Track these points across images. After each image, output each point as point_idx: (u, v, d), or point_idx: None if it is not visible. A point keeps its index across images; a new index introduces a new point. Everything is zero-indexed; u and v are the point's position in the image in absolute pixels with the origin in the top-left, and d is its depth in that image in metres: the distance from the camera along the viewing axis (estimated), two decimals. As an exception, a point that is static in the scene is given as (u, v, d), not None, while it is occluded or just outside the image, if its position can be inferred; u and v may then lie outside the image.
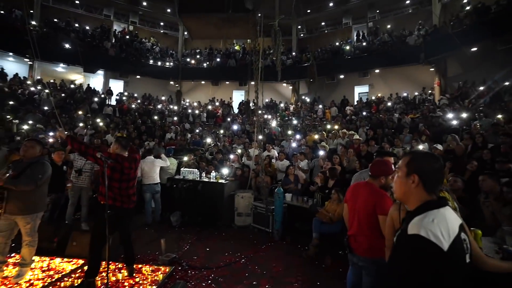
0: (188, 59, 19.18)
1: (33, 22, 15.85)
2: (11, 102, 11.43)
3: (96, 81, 19.52)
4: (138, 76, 18.08)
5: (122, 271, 3.24)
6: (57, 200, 4.73)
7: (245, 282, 3.18)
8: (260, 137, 5.63)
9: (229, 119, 13.69)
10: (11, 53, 15.47)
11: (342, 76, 16.37)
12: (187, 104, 17.24)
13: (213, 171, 5.78)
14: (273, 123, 11.59)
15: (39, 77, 16.41)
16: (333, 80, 16.70)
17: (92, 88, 17.04)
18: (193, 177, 5.57)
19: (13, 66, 16.47)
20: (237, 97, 18.99)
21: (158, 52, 19.14)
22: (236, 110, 16.35)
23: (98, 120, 11.75)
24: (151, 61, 18.05)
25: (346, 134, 7.78)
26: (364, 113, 11.93)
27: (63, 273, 3.23)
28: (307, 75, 14.30)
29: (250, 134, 10.20)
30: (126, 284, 2.97)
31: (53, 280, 3.05)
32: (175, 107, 16.06)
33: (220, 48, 19.58)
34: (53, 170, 4.41)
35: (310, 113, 13.89)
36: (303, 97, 17.23)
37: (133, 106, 15.19)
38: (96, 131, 9.76)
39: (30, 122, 9.76)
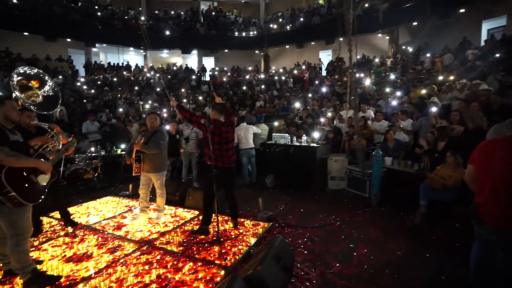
0: (270, 25, 18.76)
1: (142, 18, 18.61)
2: (136, 88, 14.12)
3: (192, 60, 21.58)
4: (226, 50, 18.99)
5: (228, 223, 3.66)
6: (174, 163, 5.73)
7: (341, 244, 3.13)
8: (353, 97, 5.13)
9: (317, 82, 13.02)
10: (131, 48, 18.92)
11: (462, 11, 12.66)
12: (273, 71, 17.18)
13: (303, 135, 5.69)
14: (367, 81, 10.36)
15: (151, 64, 19.39)
16: (447, 18, 13.12)
17: (190, 67, 18.94)
18: (284, 142, 5.59)
19: (133, 58, 20.09)
20: (324, 57, 17.63)
21: (241, 23, 19.43)
22: (324, 73, 15.34)
23: (197, 95, 13.18)
24: (236, 33, 18.50)
25: (466, 85, 6.22)
26: (498, 55, 9.10)
27: (185, 220, 3.87)
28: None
29: (341, 95, 9.47)
30: (232, 234, 3.35)
31: (179, 224, 3.72)
32: (262, 76, 16.23)
33: (303, 7, 18.24)
34: (169, 139, 5.27)
35: (414, 66, 11.66)
36: (404, 47, 14.50)
37: (224, 79, 16.16)
38: (196, 105, 10.96)
39: (149, 102, 11.88)
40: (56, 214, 3.97)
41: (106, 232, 3.51)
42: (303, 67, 16.16)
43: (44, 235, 3.46)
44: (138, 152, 3.53)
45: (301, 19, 17.12)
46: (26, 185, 2.23)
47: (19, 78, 2.82)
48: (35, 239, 3.34)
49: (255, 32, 18.65)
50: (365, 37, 14.73)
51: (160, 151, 3.57)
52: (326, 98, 10.00)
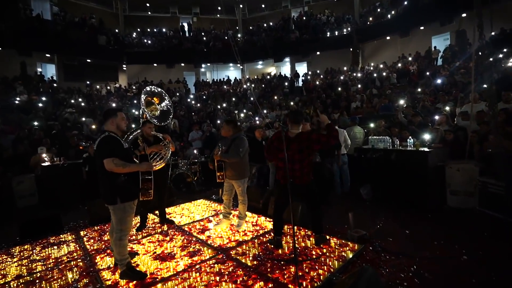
0: (366, 18, 17.07)
1: (239, 35, 20.42)
2: (233, 99, 15.38)
3: (285, 68, 22.05)
4: (318, 53, 18.38)
5: (310, 238, 3.27)
6: (261, 169, 5.60)
7: (472, 289, 2.21)
8: (485, 86, 3.79)
9: (428, 73, 10.88)
10: (231, 64, 21.07)
11: None
12: (371, 68, 15.49)
13: (409, 138, 4.85)
14: (510, 62, 7.79)
15: (247, 76, 20.76)
16: None
17: (283, 75, 19.38)
18: (384, 146, 4.97)
19: (233, 73, 22.23)
20: (439, 43, 14.50)
21: (333, 23, 18.48)
22: (439, 62, 12.65)
23: (289, 101, 13.12)
24: (328, 34, 17.71)
25: None
26: None
27: (265, 230, 3.69)
28: None
29: (465, 85, 7.47)
30: (313, 253, 2.95)
31: (259, 234, 3.60)
32: (359, 74, 14.94)
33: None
34: (255, 144, 5.40)
35: None
36: None
37: (317, 82, 15.67)
38: (289, 111, 10.94)
39: (244, 111, 12.63)
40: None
41: (191, 235, 3.66)
42: (410, 58, 13.99)
43: (146, 231, 3.89)
44: (220, 161, 3.58)
45: (405, 2, 14.72)
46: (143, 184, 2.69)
47: (146, 95, 3.30)
48: (140, 233, 3.80)
49: (348, 29, 17.32)
50: (507, 4, 11.06)
51: (240, 159, 3.55)
52: (442, 91, 8.16)
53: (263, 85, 17.68)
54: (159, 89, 3.46)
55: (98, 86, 16.75)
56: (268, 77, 19.79)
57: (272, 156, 2.95)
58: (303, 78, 17.99)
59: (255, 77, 20.54)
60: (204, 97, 16.30)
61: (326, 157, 5.08)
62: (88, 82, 16.46)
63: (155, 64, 18.74)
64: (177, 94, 16.14)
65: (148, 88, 3.35)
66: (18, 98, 11.22)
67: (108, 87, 17.06)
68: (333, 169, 5.20)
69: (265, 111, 12.03)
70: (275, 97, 14.67)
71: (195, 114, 12.51)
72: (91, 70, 17.05)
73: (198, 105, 14.51)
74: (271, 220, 3.81)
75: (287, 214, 3.09)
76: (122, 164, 2.43)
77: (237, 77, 20.98)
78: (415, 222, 3.73)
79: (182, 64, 19.13)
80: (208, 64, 20.25)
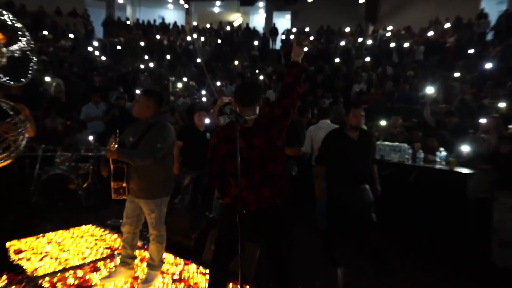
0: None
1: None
2: (168, 57, 15.01)
3: (257, 18, 22.04)
4: (309, 0, 18.42)
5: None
6: (199, 180, 5.35)
7: None
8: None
9: (471, 51, 11.62)
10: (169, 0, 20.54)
11: None
12: (387, 34, 16.20)
13: (440, 150, 5.12)
14: None
15: (195, 23, 20.72)
16: None
17: (253, 29, 19.50)
18: (399, 159, 5.28)
19: (171, 15, 21.82)
20: (490, 6, 15.35)
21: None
22: (489, 36, 13.62)
23: (258, 71, 13.06)
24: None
25: None
26: None
27: None
28: None
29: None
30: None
31: None
32: (368, 42, 15.43)
33: None
34: (194, 138, 5.27)
35: None
36: None
37: (305, 46, 15.79)
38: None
39: (184, 79, 12.30)
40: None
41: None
42: (447, 25, 14.77)
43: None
44: (118, 162, 3.39)
45: None
46: None
47: None
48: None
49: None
50: None
51: (157, 161, 3.34)
52: (491, 80, 8.73)
53: (218, 41, 17.60)
54: (9, 17, 3.36)
55: None
56: (229, 28, 19.67)
57: (217, 169, 2.91)
58: (284, 37, 17.99)
59: (208, 25, 20.34)
60: (119, 47, 15.69)
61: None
62: None
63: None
64: (70, 35, 15.34)
65: None
66: None
67: None
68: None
69: (218, 83, 11.84)
70: (236, 62, 14.55)
71: (98, 74, 11.97)
72: None
73: (104, 58, 13.88)
74: (207, 271, 3.74)
75: (235, 263, 2.85)
76: None
77: (178, 22, 20.65)
78: (444, 283, 3.88)
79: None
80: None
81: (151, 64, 13.85)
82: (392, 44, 14.23)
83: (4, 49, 3.24)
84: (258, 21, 21.81)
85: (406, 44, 13.85)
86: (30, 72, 3.42)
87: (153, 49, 15.83)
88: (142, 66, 13.30)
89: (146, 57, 14.60)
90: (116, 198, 3.49)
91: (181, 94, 10.55)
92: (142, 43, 16.08)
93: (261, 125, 2.79)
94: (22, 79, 3.37)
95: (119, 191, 3.47)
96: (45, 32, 14.44)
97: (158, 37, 17.38)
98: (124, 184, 3.43)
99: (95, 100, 8.19)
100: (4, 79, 3.23)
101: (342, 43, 15.73)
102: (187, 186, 5.44)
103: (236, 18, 22.28)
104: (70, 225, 5.19)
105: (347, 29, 17.58)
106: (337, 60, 13.50)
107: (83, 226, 5.20)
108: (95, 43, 15.30)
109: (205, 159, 3.34)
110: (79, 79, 11.07)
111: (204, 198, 5.92)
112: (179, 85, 11.57)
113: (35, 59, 3.59)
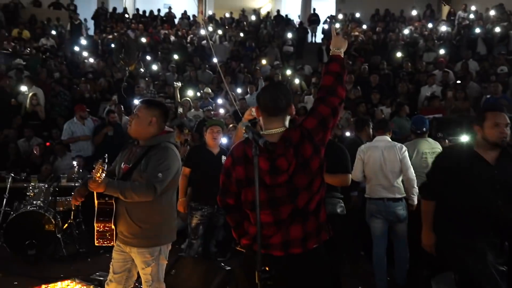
0: None
1: None
2: (175, 57, 15.12)
3: (291, 4, 22.08)
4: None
5: None
6: (212, 218, 5.40)
7: None
8: None
9: None
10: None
11: None
12: (471, 16, 15.89)
13: None
14: None
15: (210, 12, 21.00)
16: None
17: (285, 17, 19.38)
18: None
19: (180, 3, 22.00)
20: None
21: None
22: None
23: (289, 71, 12.89)
24: None
25: None
26: None
27: None
28: None
29: None
30: None
31: None
32: (442, 28, 15.20)
33: None
34: (205, 162, 5.31)
35: None
36: None
37: (355, 37, 15.71)
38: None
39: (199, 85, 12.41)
40: None
41: None
42: None
43: None
44: (105, 196, 3.37)
45: None
46: None
47: None
48: None
49: None
50: None
51: (157, 197, 3.31)
52: None
53: (241, 34, 17.64)
54: None
55: None
56: (254, 18, 19.71)
57: (233, 199, 2.82)
58: (326, 26, 17.84)
59: (227, 14, 20.44)
60: (113, 45, 15.81)
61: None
62: None
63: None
64: (52, 32, 15.77)
65: None
66: None
67: None
68: (375, 229, 5.36)
69: (239, 90, 11.85)
70: (264, 62, 14.47)
71: (87, 81, 12.16)
72: None
73: (92, 60, 14.20)
74: None
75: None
76: None
77: (189, 11, 20.79)
78: None
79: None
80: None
81: (154, 67, 14.02)
82: (477, 30, 13.98)
83: None
84: (291, 6, 21.98)
85: (497, 29, 13.56)
86: None
87: (157, 47, 16.07)
88: (142, 69, 13.45)
89: (147, 57, 14.78)
90: (100, 244, 3.49)
91: (192, 105, 10.61)
92: (143, 40, 16.32)
93: (290, 141, 2.68)
94: None
95: (105, 235, 3.46)
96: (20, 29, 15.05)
97: (163, 31, 17.67)
98: (112, 226, 3.41)
99: (80, 115, 8.37)
100: None
101: (406, 31, 15.61)
102: (196, 228, 5.43)
103: (264, 5, 22.42)
104: (44, 280, 5.17)
105: (413, 13, 17.41)
106: (398, 54, 13.34)
107: (60, 282, 5.14)
108: (83, 42, 15.73)
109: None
110: (63, 88, 11.26)
111: (219, 243, 5.90)
112: (190, 93, 11.63)
113: None
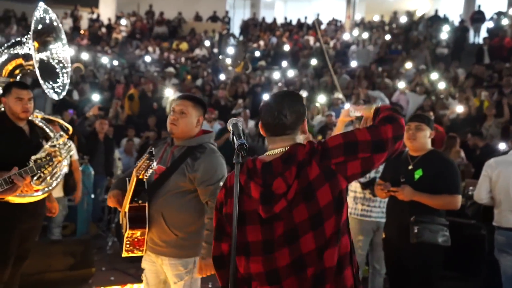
0: None
1: None
2: (314, 61, 15.13)
3: (452, 3, 20.66)
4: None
5: None
6: None
7: None
8: None
9: None
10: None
11: None
12: None
13: None
14: None
15: (360, 17, 20.84)
16: None
17: (442, 17, 18.22)
18: None
19: (329, 9, 22.10)
20: None
21: None
22: None
23: (436, 75, 12.07)
24: None
25: None
26: None
27: None
28: None
29: None
30: None
31: None
32: None
33: None
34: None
35: None
36: None
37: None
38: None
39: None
40: None
41: None
42: None
43: None
44: (140, 198, 3.16)
45: None
46: None
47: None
48: None
49: None
50: None
51: (197, 204, 3.25)
52: None
53: (387, 37, 17.35)
54: (50, 17, 3.88)
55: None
56: (405, 19, 19.25)
57: (227, 244, 2.27)
58: (492, 24, 16.66)
59: (377, 18, 20.34)
60: (257, 53, 16.69)
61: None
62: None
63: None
64: (206, 43, 17.06)
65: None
66: None
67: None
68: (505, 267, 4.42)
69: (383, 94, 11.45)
70: (409, 65, 13.97)
71: (225, 86, 12.68)
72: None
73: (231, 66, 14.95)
74: None
75: None
76: None
77: (338, 16, 21.03)
78: None
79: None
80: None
81: (291, 73, 14.23)
82: None
83: (36, 56, 3.64)
84: (452, 6, 20.71)
85: None
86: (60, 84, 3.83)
87: (298, 53, 16.42)
88: (277, 76, 13.83)
89: (284, 63, 15.14)
90: (128, 254, 3.27)
91: (320, 110, 10.64)
92: (286, 47, 16.79)
93: (293, 157, 2.03)
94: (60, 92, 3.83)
95: (135, 244, 3.24)
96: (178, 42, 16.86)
97: (306, 37, 18.03)
98: (147, 233, 3.21)
99: (206, 119, 8.73)
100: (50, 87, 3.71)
101: None
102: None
103: (420, 6, 21.51)
104: (138, 279, 5.05)
105: None
106: None
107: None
108: (229, 51, 16.49)
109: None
110: (202, 94, 12.05)
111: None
112: (322, 98, 11.65)
113: (66, 70, 3.98)
